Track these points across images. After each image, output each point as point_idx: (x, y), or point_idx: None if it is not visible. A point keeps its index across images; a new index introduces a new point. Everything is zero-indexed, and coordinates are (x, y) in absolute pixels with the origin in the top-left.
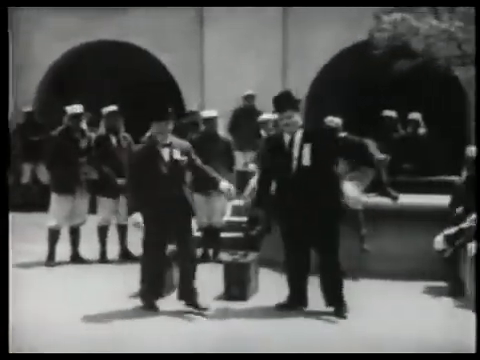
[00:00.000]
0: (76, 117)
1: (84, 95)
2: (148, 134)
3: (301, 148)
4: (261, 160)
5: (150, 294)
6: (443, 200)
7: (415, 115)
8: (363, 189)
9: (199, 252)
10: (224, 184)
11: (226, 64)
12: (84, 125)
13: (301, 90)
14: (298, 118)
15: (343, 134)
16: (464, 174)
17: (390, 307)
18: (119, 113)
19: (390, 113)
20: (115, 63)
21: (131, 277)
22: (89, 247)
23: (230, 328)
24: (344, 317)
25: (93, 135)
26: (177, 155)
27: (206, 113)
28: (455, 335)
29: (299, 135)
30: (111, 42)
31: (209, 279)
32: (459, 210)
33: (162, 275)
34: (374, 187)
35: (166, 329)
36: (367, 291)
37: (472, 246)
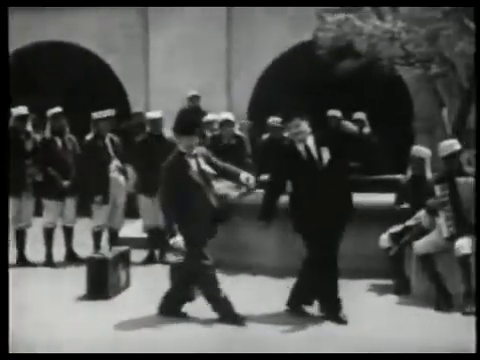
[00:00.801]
0: (22, 119)
1: (29, 96)
2: (89, 136)
3: (319, 152)
4: (274, 172)
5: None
6: (388, 198)
7: (360, 115)
8: None
9: (145, 253)
10: (244, 175)
11: (171, 65)
12: (29, 127)
13: (246, 90)
14: (305, 126)
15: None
16: (409, 173)
17: None
18: (64, 115)
19: (335, 113)
20: (60, 64)
21: (77, 279)
22: (35, 249)
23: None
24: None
25: (38, 137)
26: (203, 165)
27: (151, 114)
28: (402, 333)
29: (311, 141)
30: (56, 43)
31: (157, 280)
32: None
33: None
34: None
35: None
36: None
37: (418, 244)
